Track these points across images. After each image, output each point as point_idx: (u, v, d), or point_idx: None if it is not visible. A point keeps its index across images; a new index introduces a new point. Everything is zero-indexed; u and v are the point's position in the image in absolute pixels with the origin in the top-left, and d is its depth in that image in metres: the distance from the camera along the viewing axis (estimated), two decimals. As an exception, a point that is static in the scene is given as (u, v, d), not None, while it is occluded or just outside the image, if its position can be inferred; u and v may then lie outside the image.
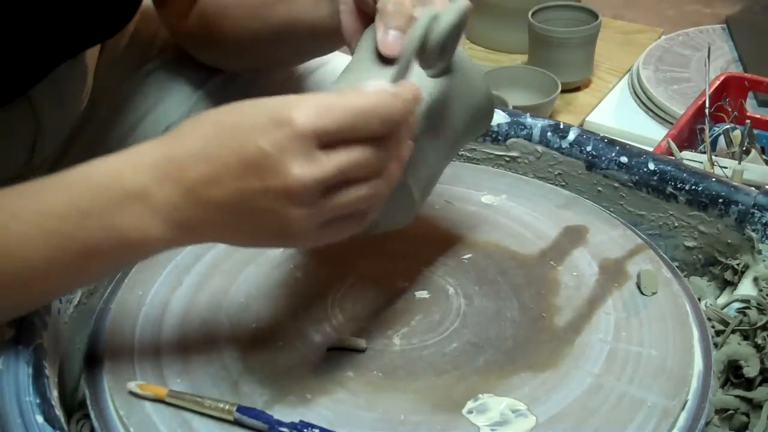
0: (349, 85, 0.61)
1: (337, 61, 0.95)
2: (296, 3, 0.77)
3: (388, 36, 0.62)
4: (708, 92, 1.25)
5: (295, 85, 0.93)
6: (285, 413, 0.58)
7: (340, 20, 0.69)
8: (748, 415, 0.64)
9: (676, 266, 0.75)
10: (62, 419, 0.56)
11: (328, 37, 0.74)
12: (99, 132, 0.90)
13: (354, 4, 0.68)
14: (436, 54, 0.58)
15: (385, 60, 0.62)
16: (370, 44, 0.64)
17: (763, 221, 0.73)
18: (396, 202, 0.61)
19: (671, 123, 1.36)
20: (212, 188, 0.52)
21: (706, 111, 1.22)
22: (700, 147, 1.20)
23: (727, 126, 1.22)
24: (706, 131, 1.19)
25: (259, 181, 0.51)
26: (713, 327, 0.69)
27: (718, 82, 1.31)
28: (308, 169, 0.50)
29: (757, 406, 0.63)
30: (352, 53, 0.68)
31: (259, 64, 0.88)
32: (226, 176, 0.52)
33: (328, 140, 0.51)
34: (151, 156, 0.54)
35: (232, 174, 0.52)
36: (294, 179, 0.50)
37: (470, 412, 0.59)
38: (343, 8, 0.68)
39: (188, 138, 0.53)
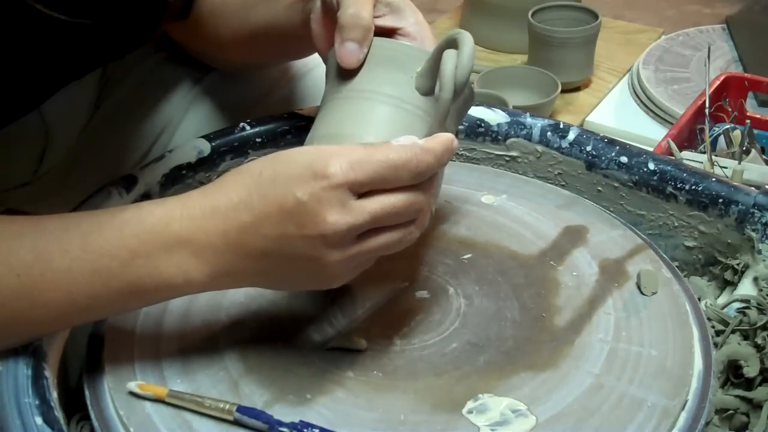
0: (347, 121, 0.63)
1: None
2: (271, 8, 0.78)
3: (343, 48, 0.63)
4: (708, 92, 1.25)
5: (288, 84, 0.93)
6: (285, 413, 0.58)
7: (311, 28, 0.69)
8: (748, 415, 0.64)
9: (676, 266, 0.75)
10: (62, 420, 0.56)
11: (299, 43, 0.75)
12: (104, 132, 0.90)
13: (321, 14, 0.68)
14: (462, 92, 0.60)
15: (349, 73, 0.64)
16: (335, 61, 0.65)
17: (763, 221, 0.73)
18: None
19: (671, 123, 1.36)
20: (253, 236, 0.55)
21: (706, 111, 1.22)
22: (700, 147, 1.20)
23: (727, 126, 1.22)
24: (706, 131, 1.19)
25: (297, 228, 0.54)
26: (713, 327, 0.69)
27: (718, 82, 1.31)
28: (342, 216, 0.53)
29: (757, 406, 0.63)
30: (324, 61, 0.69)
31: (241, 63, 0.89)
32: (267, 225, 0.55)
33: (362, 190, 0.54)
34: (199, 206, 0.57)
35: (272, 222, 0.55)
36: (329, 226, 0.53)
37: (470, 412, 0.59)
38: (312, 17, 0.69)
39: (231, 189, 0.56)
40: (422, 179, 0.56)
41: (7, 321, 0.57)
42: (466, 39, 0.59)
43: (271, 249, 0.55)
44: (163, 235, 0.56)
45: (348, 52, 0.63)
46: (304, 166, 0.54)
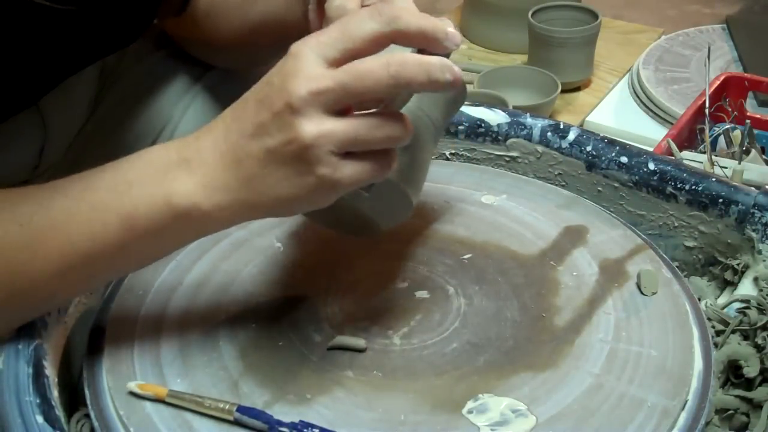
0: None
1: None
2: (271, 2, 0.78)
3: None
4: (708, 92, 1.25)
5: None
6: (285, 413, 0.58)
7: (309, 20, 0.69)
8: (748, 415, 0.64)
9: (676, 266, 0.75)
10: (62, 419, 0.56)
11: (302, 35, 0.74)
12: (103, 129, 0.90)
13: (316, 5, 0.68)
14: None
15: None
16: None
17: (763, 221, 0.73)
18: (391, 201, 0.61)
19: (671, 123, 1.36)
20: (237, 138, 0.54)
21: (706, 111, 1.22)
22: (700, 147, 1.20)
23: (727, 126, 1.22)
24: (706, 131, 1.19)
25: (268, 111, 0.53)
26: (713, 327, 0.69)
27: (718, 82, 1.31)
28: (306, 82, 0.51)
29: (757, 406, 0.63)
30: None
31: (242, 59, 0.89)
32: (246, 121, 0.54)
33: (331, 56, 0.52)
34: (195, 131, 0.57)
35: (251, 115, 0.54)
36: (292, 93, 0.51)
37: (470, 412, 0.59)
38: (310, 8, 0.69)
39: (227, 109, 0.57)
40: (392, 25, 0.52)
41: (8, 276, 0.57)
42: None
43: (254, 146, 0.54)
44: (159, 163, 0.56)
45: None
46: (284, 56, 0.54)
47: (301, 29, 0.72)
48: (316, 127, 0.52)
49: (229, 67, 0.93)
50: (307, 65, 0.52)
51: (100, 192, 0.57)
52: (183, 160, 0.56)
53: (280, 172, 0.54)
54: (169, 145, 0.58)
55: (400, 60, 0.51)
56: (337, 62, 0.52)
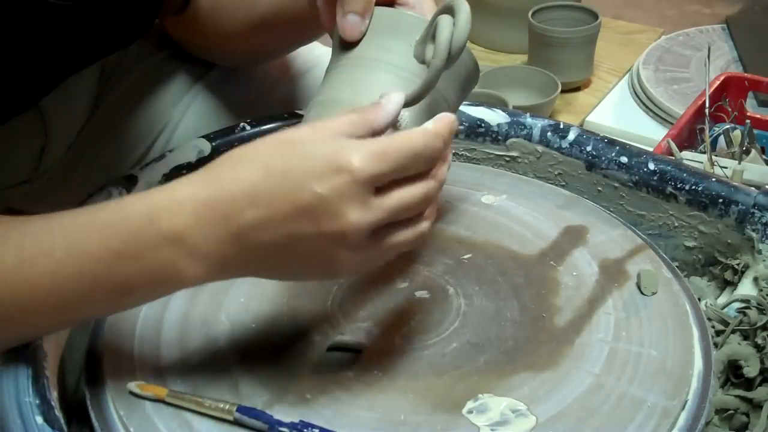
0: (348, 88, 0.62)
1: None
2: None
3: (345, 21, 0.62)
4: (708, 92, 1.25)
5: (289, 83, 0.93)
6: (285, 413, 0.58)
7: (317, 7, 0.69)
8: (748, 415, 0.64)
9: (676, 266, 0.75)
10: (62, 420, 0.56)
11: (308, 26, 0.74)
12: (104, 130, 0.90)
13: None
14: (456, 58, 0.59)
15: (351, 43, 0.63)
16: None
17: (763, 221, 0.73)
18: None
19: (671, 123, 1.36)
20: (260, 232, 0.52)
21: (706, 111, 1.22)
22: (700, 147, 1.20)
23: (727, 126, 1.22)
24: (706, 131, 1.19)
25: (313, 225, 0.52)
26: (713, 327, 0.69)
27: (718, 82, 1.31)
28: (363, 214, 0.52)
29: (757, 406, 0.63)
30: (331, 37, 0.69)
31: (245, 56, 0.89)
32: (277, 221, 0.52)
33: (382, 183, 0.53)
34: (190, 200, 0.53)
35: (284, 218, 0.52)
36: (350, 225, 0.52)
37: (470, 412, 0.59)
38: None
39: (231, 181, 0.53)
40: (434, 165, 0.55)
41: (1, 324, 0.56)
42: (462, 6, 0.58)
43: (280, 244, 0.52)
44: (148, 234, 0.53)
45: (350, 24, 0.62)
46: (324, 159, 0.51)
47: (307, 20, 0.72)
48: (359, 251, 0.54)
49: (232, 66, 0.92)
50: (364, 192, 0.52)
51: (86, 262, 0.54)
52: (178, 236, 0.53)
53: (302, 269, 0.56)
54: (155, 207, 0.53)
55: (436, 188, 0.56)
56: (382, 188, 0.53)
